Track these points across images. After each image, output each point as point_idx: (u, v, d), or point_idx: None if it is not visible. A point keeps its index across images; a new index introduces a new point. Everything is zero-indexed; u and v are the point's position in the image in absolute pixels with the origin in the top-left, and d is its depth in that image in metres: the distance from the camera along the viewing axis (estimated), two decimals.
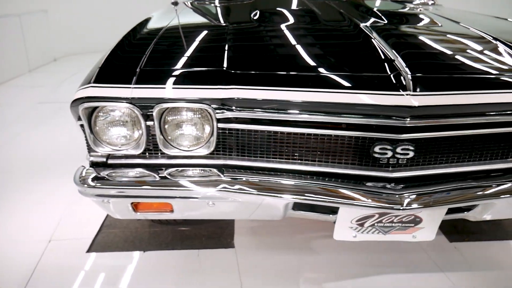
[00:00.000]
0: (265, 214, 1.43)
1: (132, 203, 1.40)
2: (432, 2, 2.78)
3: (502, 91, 1.27)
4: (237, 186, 1.29)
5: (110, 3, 6.16)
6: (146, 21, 1.99)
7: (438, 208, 1.31)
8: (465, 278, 1.83)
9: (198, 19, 2.07)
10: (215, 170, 1.37)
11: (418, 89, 1.21)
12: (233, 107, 1.25)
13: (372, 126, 1.26)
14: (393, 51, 1.41)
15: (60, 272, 1.84)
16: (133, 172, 1.38)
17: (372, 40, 1.53)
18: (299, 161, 1.37)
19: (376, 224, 1.37)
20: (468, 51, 1.53)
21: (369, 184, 1.30)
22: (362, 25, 1.72)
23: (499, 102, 1.25)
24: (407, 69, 1.28)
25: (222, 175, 1.35)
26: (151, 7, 3.02)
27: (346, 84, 1.27)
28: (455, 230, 2.17)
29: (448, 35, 1.76)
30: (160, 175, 1.35)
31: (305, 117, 1.25)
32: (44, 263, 1.90)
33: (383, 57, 1.38)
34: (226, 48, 1.49)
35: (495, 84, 1.30)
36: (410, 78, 1.24)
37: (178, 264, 1.90)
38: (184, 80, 1.29)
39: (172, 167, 1.39)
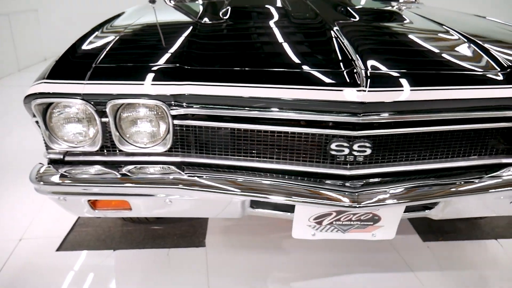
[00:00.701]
0: (224, 212, 1.41)
1: (89, 200, 1.38)
2: (413, 0, 2.76)
3: (459, 87, 1.25)
4: (190, 184, 1.27)
5: (101, 3, 6.15)
6: (117, 16, 1.98)
7: (395, 206, 1.29)
8: (434, 277, 1.81)
9: (168, 16, 2.06)
10: (174, 168, 1.36)
11: (371, 85, 1.20)
12: (184, 104, 1.23)
13: (326, 122, 1.24)
14: (354, 48, 1.39)
15: (27, 271, 1.83)
16: (92, 169, 1.36)
17: (334, 37, 1.51)
18: (257, 158, 1.35)
19: (334, 223, 1.35)
20: (432, 48, 1.51)
21: (324, 181, 1.29)
22: (329, 22, 1.70)
23: (454, 98, 1.23)
24: (362, 65, 1.26)
25: (182, 173, 1.33)
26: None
27: (300, 80, 1.25)
28: (430, 229, 2.16)
29: (416, 32, 1.74)
30: (119, 172, 1.34)
31: (257, 113, 1.24)
32: (12, 262, 1.89)
33: (341, 53, 1.37)
34: (187, 45, 1.47)
35: (452, 80, 1.28)
36: (364, 74, 1.23)
37: (147, 263, 1.89)
38: (137, 76, 1.28)
39: (130, 164, 1.37)
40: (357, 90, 1.19)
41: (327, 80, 1.25)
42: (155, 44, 1.52)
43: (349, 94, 1.19)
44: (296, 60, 1.38)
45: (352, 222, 1.36)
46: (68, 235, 2.08)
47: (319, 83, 1.23)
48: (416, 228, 2.16)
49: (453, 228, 2.18)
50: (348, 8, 2.08)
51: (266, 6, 2.12)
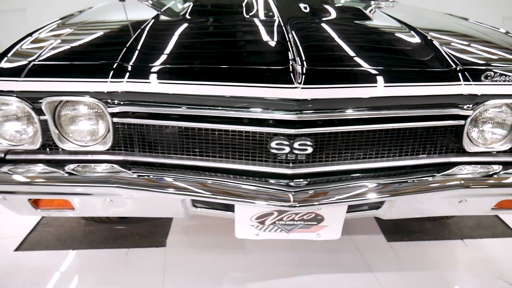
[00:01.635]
0: (167, 211, 1.39)
1: (29, 199, 1.36)
2: None
3: (399, 84, 1.22)
4: (126, 183, 1.25)
5: (88, 3, 6.13)
6: (77, 13, 1.96)
7: (336, 206, 1.27)
8: (393, 278, 1.78)
9: (128, 14, 2.03)
10: (116, 167, 1.33)
11: (306, 82, 1.17)
12: (119, 101, 1.21)
13: (265, 121, 1.22)
14: (298, 46, 1.36)
15: None
16: (32, 168, 1.34)
17: (283, 35, 1.48)
18: (200, 157, 1.33)
19: (277, 222, 1.33)
20: (381, 46, 1.49)
21: (267, 181, 1.26)
22: (284, 20, 1.67)
23: (392, 96, 1.21)
24: (300, 63, 1.24)
25: (128, 172, 1.31)
26: None
27: (237, 77, 1.23)
28: (396, 229, 2.13)
29: (371, 31, 1.71)
30: (58, 171, 1.31)
31: (196, 111, 1.22)
32: None
33: (283, 51, 1.33)
34: (135, 43, 1.44)
35: (394, 78, 1.25)
36: (300, 71, 1.20)
37: (104, 264, 1.87)
38: (73, 73, 1.25)
39: (72, 163, 1.35)
40: (292, 87, 1.16)
41: (263, 77, 1.22)
42: (101, 42, 1.49)
43: (284, 92, 1.16)
44: (237, 58, 1.36)
45: (295, 222, 1.33)
46: (29, 235, 2.06)
47: (255, 80, 1.21)
48: (382, 228, 2.14)
49: (420, 228, 2.16)
50: (312, 5, 2.06)
51: (228, 4, 2.10)
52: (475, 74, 1.29)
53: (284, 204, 1.20)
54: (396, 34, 1.64)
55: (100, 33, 1.61)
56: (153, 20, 1.68)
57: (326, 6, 2.17)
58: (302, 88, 1.16)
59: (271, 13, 1.85)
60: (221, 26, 1.70)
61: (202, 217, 1.39)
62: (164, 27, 1.68)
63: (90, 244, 2.00)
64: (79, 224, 2.15)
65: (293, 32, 1.51)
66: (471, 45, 1.56)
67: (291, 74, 1.20)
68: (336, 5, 2.28)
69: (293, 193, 1.22)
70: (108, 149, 1.33)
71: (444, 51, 1.41)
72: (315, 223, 1.34)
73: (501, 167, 1.38)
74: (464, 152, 1.37)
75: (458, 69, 1.31)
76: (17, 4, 6.13)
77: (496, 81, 1.28)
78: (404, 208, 1.39)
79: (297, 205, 1.19)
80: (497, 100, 1.27)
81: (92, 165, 1.35)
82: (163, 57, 1.35)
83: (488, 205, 1.42)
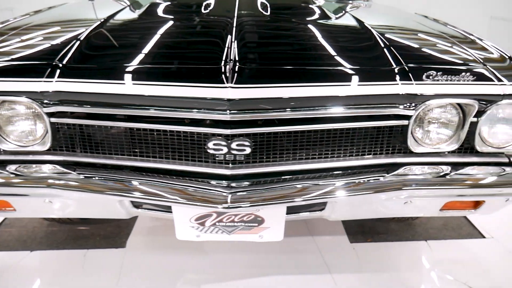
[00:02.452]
0: (108, 212, 1.38)
1: None
2: None
3: (334, 84, 1.21)
4: (62, 183, 1.23)
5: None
6: (38, 11, 1.94)
7: (274, 207, 1.25)
8: (351, 279, 1.76)
9: (85, 12, 2.01)
10: (59, 167, 1.32)
11: (240, 82, 1.15)
12: (53, 101, 1.19)
13: (202, 121, 1.20)
14: (240, 45, 1.34)
15: None
16: None
17: (228, 34, 1.46)
18: (140, 157, 1.31)
19: (217, 224, 1.31)
20: (328, 45, 1.46)
21: (201, 181, 1.24)
22: (239, 18, 1.65)
23: (327, 95, 1.19)
24: (235, 62, 1.22)
25: (69, 172, 1.29)
26: None
27: (170, 77, 1.21)
28: (361, 230, 2.11)
29: (322, 30, 1.68)
30: (2, 171, 1.30)
31: (129, 111, 1.20)
32: None
33: (221, 51, 1.31)
34: (76, 42, 1.42)
35: (331, 77, 1.24)
36: (234, 71, 1.18)
37: (61, 265, 1.85)
38: (11, 73, 1.24)
39: (13, 164, 1.33)
40: (223, 87, 1.15)
41: (197, 77, 1.20)
42: (44, 41, 1.47)
43: (215, 91, 1.15)
44: (173, 58, 1.34)
45: (236, 224, 1.31)
46: None
47: (189, 79, 1.19)
48: (347, 229, 2.12)
49: (385, 229, 2.14)
50: (275, 4, 2.04)
51: (189, 3, 2.08)
52: (417, 73, 1.27)
53: (217, 205, 1.18)
54: (346, 34, 1.62)
55: (48, 31, 1.59)
56: (104, 19, 1.66)
57: (290, 5, 2.15)
58: (232, 87, 1.14)
59: (229, 12, 1.83)
60: (170, 25, 1.68)
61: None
62: (114, 26, 1.66)
63: (50, 245, 1.98)
64: (41, 224, 2.13)
65: (241, 31, 1.49)
66: (424, 46, 1.54)
67: (224, 73, 1.18)
68: (301, 4, 2.25)
69: (225, 194, 1.20)
70: (48, 150, 1.31)
71: (392, 51, 1.39)
72: (256, 224, 1.32)
73: (449, 167, 1.36)
74: (411, 153, 1.36)
75: (399, 68, 1.29)
76: (4, 3, 6.12)
77: (437, 80, 1.26)
78: (348, 210, 1.37)
79: (230, 206, 1.18)
80: (438, 100, 1.25)
81: (34, 165, 1.33)
82: (99, 57, 1.33)
83: (435, 206, 1.40)
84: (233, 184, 1.23)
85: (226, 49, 1.30)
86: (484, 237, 2.09)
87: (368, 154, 1.36)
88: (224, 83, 1.15)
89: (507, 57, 1.42)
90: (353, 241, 2.02)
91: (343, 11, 2.07)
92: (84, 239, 2.02)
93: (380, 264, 1.87)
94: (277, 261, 1.87)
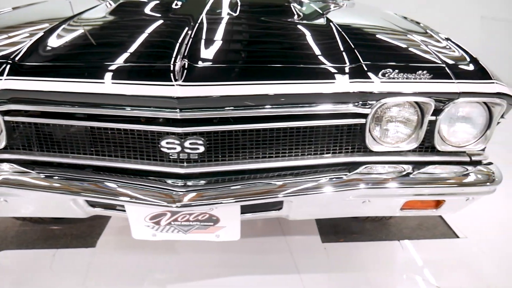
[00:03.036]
0: (64, 211, 1.36)
1: None
2: None
3: (285, 82, 1.19)
4: (15, 182, 1.22)
5: None
6: (19, 7, 1.94)
7: (228, 206, 1.24)
8: (318, 279, 1.75)
9: (61, 9, 2.00)
10: (16, 166, 1.31)
11: (189, 80, 1.14)
12: (4, 99, 1.19)
13: (156, 119, 1.19)
14: (195, 43, 1.33)
15: None
16: None
17: (188, 32, 1.45)
18: (96, 156, 1.30)
19: (172, 223, 1.30)
20: (282, 43, 1.46)
21: (154, 180, 1.24)
22: (202, 17, 1.64)
23: (278, 93, 1.17)
24: (186, 60, 1.21)
25: (30, 171, 1.28)
26: None
27: (120, 75, 1.20)
28: (335, 230, 2.10)
29: (285, 28, 1.67)
30: None
31: (80, 109, 1.19)
32: None
33: (174, 48, 1.30)
34: (33, 39, 1.41)
35: (282, 75, 1.22)
36: (182, 69, 1.17)
37: (29, 265, 1.84)
38: None
39: None
40: (172, 85, 1.13)
41: (147, 75, 1.19)
42: (6, 39, 1.46)
43: (164, 89, 1.13)
44: (127, 55, 1.32)
45: (191, 223, 1.30)
46: None
47: (139, 77, 1.18)
48: (320, 228, 2.11)
49: (359, 228, 2.12)
50: (242, 3, 2.02)
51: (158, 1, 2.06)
52: (373, 71, 1.26)
53: (167, 204, 1.17)
54: (310, 33, 1.60)
55: (11, 28, 1.58)
56: (70, 17, 1.65)
57: (264, 5, 2.14)
58: (181, 85, 1.13)
59: (197, 11, 1.82)
60: (132, 23, 1.67)
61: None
62: (76, 24, 1.65)
63: (20, 244, 1.97)
64: (13, 224, 2.12)
65: (202, 30, 1.48)
66: (387, 44, 1.53)
67: (174, 72, 1.17)
68: (276, 4, 2.24)
69: (174, 193, 1.19)
70: (5, 148, 1.30)
71: (352, 50, 1.38)
72: (212, 224, 1.31)
73: (410, 166, 1.35)
74: (371, 152, 1.34)
75: (355, 66, 1.27)
76: None
77: (393, 78, 1.25)
78: (306, 209, 1.36)
79: (179, 205, 1.17)
80: (392, 98, 1.23)
81: None
82: (52, 54, 1.32)
83: (395, 205, 1.39)
84: (184, 183, 1.22)
85: (180, 47, 1.29)
86: (458, 237, 2.08)
87: (327, 153, 1.34)
88: (172, 81, 1.14)
89: (467, 55, 1.41)
90: (325, 241, 2.01)
91: (315, 11, 2.06)
92: (55, 238, 2.01)
93: (350, 264, 1.86)
94: (247, 261, 1.86)
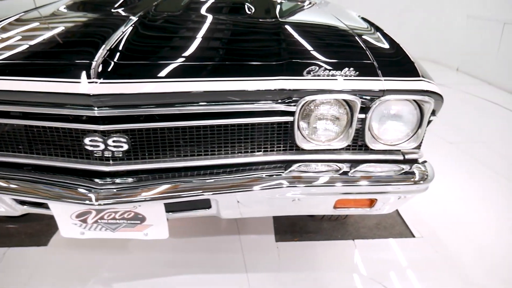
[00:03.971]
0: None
1: None
2: None
3: (205, 79, 1.18)
4: None
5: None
6: None
7: (153, 204, 1.23)
8: (265, 279, 1.74)
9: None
10: None
11: (107, 78, 1.14)
12: None
13: (80, 117, 1.19)
14: (121, 41, 1.33)
15: None
16: None
17: (116, 30, 1.44)
18: (24, 154, 1.30)
19: (99, 221, 1.29)
20: (219, 41, 1.45)
21: (73, 178, 1.23)
22: (140, 15, 1.63)
23: (196, 91, 1.16)
24: (107, 58, 1.20)
25: None
26: None
27: (40, 72, 1.19)
28: (291, 229, 2.09)
29: (228, 25, 1.65)
30: None
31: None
32: None
33: (97, 46, 1.29)
34: None
35: (204, 72, 1.21)
36: (99, 65, 1.17)
37: None
38: None
39: None
40: (89, 82, 1.13)
41: (63, 72, 1.18)
42: None
43: (79, 86, 1.12)
44: (50, 53, 1.31)
45: (118, 221, 1.30)
46: None
47: (58, 75, 1.17)
48: (278, 228, 2.10)
49: (317, 228, 2.11)
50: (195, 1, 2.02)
51: None
52: (298, 69, 1.25)
53: (85, 202, 1.17)
54: (250, 30, 1.60)
55: None
56: (21, 13, 1.66)
57: (219, 2, 2.13)
58: (97, 83, 1.12)
59: (137, 9, 1.81)
60: (67, 21, 1.67)
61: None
62: (22, 22, 1.65)
63: None
64: None
65: (135, 28, 1.47)
66: (323, 42, 1.52)
67: (93, 69, 1.16)
68: (231, 2, 2.23)
69: (93, 190, 1.18)
70: None
71: (285, 47, 1.37)
72: (138, 222, 1.30)
73: (344, 165, 1.34)
74: (304, 150, 1.34)
75: (281, 64, 1.26)
76: None
77: (318, 76, 1.24)
78: (236, 208, 1.35)
79: (96, 203, 1.16)
80: (317, 95, 1.22)
81: None
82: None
83: (327, 204, 1.38)
84: (104, 181, 1.22)
85: (107, 45, 1.29)
86: (414, 236, 2.06)
87: (259, 151, 1.34)
88: (90, 78, 1.14)
89: (401, 54, 1.39)
90: (279, 240, 2.00)
91: (269, 10, 2.04)
92: (9, 237, 2.01)
93: (300, 263, 1.85)
94: (197, 260, 1.86)
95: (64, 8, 1.92)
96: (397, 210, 2.27)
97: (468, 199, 2.44)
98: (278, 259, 1.87)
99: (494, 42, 4.94)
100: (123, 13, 1.75)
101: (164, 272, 1.77)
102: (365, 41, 1.47)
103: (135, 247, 1.93)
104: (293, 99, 1.22)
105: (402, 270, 1.82)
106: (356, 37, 1.51)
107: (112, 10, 1.84)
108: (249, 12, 1.89)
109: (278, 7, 2.10)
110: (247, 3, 2.03)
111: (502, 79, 4.83)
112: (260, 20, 1.75)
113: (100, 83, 1.13)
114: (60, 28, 1.55)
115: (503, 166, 2.87)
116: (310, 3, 2.35)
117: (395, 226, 2.15)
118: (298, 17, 1.91)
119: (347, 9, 2.21)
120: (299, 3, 2.33)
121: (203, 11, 1.90)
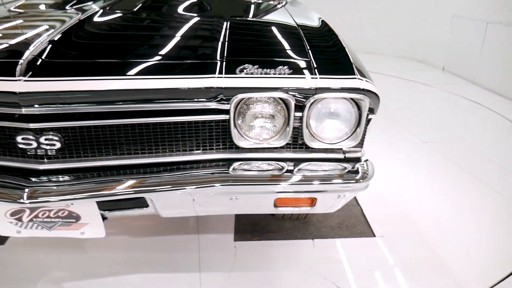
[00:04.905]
0: None
1: None
2: None
3: (135, 77, 1.18)
4: None
5: None
6: None
7: (86, 203, 1.23)
8: (217, 279, 1.74)
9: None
10: None
11: (35, 75, 1.13)
12: None
13: (13, 115, 1.18)
14: (58, 38, 1.32)
15: None
16: None
17: (57, 27, 1.44)
18: None
19: (34, 219, 1.29)
20: (162, 38, 1.44)
21: (6, 176, 1.23)
22: (89, 12, 1.63)
23: (129, 88, 1.16)
24: (36, 56, 1.20)
25: None
26: None
27: None
28: (252, 228, 2.08)
29: (176, 23, 1.64)
30: None
31: None
32: None
33: (33, 43, 1.28)
34: None
35: (137, 70, 1.21)
36: (28, 63, 1.16)
37: None
38: None
39: None
40: (14, 80, 1.12)
41: None
42: None
43: (7, 84, 1.12)
44: None
45: (53, 219, 1.29)
46: None
47: None
48: (238, 227, 2.09)
49: (278, 227, 2.11)
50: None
51: None
52: (231, 67, 1.24)
53: (15, 200, 1.17)
54: (193, 28, 1.59)
55: None
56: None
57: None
58: (21, 81, 1.12)
59: (92, 6, 1.80)
60: (17, 17, 1.66)
61: None
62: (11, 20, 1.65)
63: None
64: None
65: (78, 26, 1.46)
66: (263, 41, 1.51)
67: (20, 66, 1.16)
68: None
69: (26, 189, 1.18)
70: None
71: (222, 46, 1.37)
72: (74, 220, 1.30)
73: (285, 164, 1.34)
74: (243, 149, 1.33)
75: (214, 62, 1.26)
76: None
77: (251, 74, 1.23)
78: (174, 207, 1.35)
79: (25, 201, 1.16)
80: (250, 94, 1.22)
81: None
82: None
83: (267, 203, 1.37)
84: (37, 180, 1.22)
85: (37, 42, 1.28)
86: (374, 235, 2.06)
87: (197, 150, 1.33)
88: (15, 76, 1.13)
89: (340, 52, 1.39)
90: (238, 240, 1.99)
91: (222, 9, 2.03)
92: None
93: (256, 263, 1.85)
94: (152, 259, 1.85)
95: (22, 4, 1.92)
96: (361, 210, 2.27)
97: (435, 199, 2.43)
98: (233, 259, 1.86)
99: (478, 41, 4.93)
100: (75, 11, 1.75)
101: (116, 271, 1.77)
102: (309, 40, 1.46)
103: (91, 247, 1.92)
104: (225, 97, 1.22)
105: (357, 269, 1.82)
106: (302, 36, 1.50)
107: (67, 7, 1.83)
108: (202, 12, 1.89)
109: (242, 6, 2.10)
110: (204, 2, 2.02)
111: (486, 79, 4.82)
112: (209, 19, 1.74)
113: (25, 81, 1.12)
114: (2, 26, 1.55)
115: (476, 166, 2.87)
116: (279, 3, 2.34)
117: (357, 226, 2.14)
118: (250, 16, 1.90)
119: (310, 10, 2.20)
120: (265, 2, 2.32)
121: (155, 10, 1.89)
